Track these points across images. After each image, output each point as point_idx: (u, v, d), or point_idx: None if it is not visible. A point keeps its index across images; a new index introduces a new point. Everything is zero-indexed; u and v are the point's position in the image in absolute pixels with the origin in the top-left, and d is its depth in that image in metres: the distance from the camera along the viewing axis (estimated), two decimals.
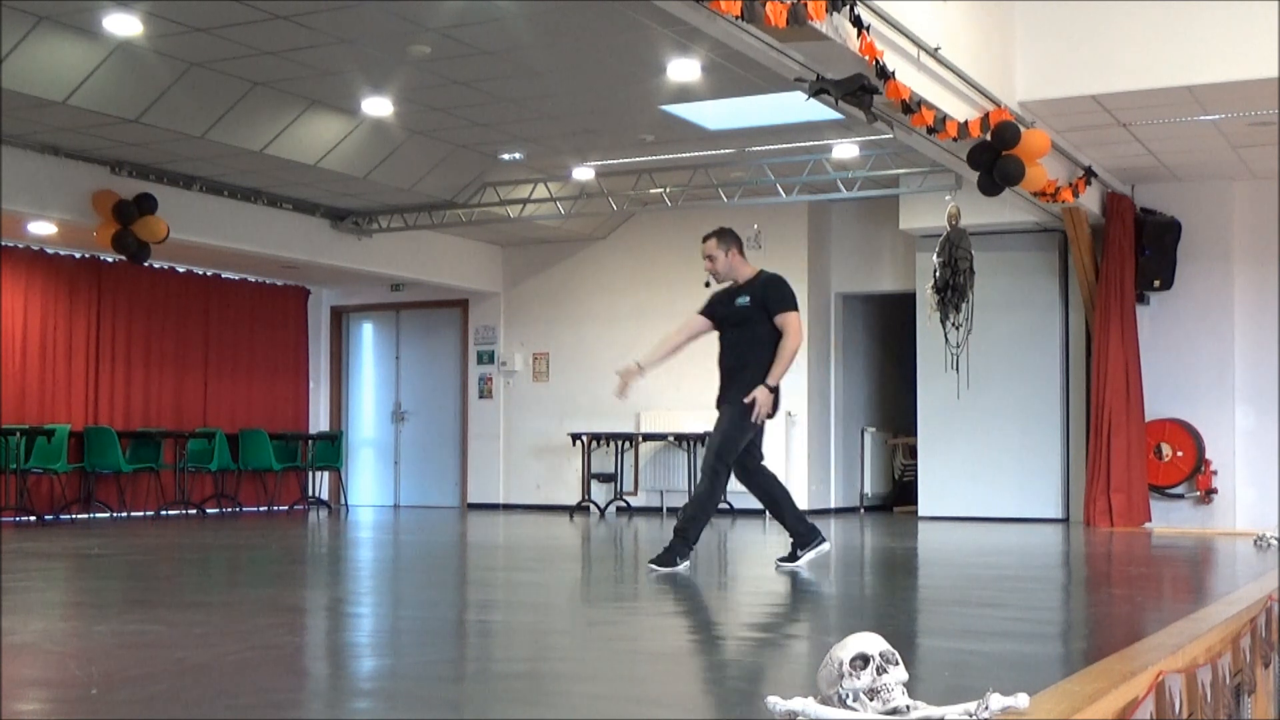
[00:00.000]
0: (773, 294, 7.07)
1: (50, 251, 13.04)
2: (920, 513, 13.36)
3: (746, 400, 6.90)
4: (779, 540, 10.49)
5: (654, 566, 6.84)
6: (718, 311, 7.25)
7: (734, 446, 6.97)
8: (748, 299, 7.08)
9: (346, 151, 11.40)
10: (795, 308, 7.09)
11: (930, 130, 8.33)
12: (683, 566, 6.88)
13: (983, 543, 10.10)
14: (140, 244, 11.47)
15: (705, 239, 7.24)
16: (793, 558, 7.14)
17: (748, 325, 7.04)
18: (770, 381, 6.91)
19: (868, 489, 14.99)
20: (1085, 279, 12.39)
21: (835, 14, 6.83)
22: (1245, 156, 11.45)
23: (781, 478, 13.80)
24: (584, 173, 12.56)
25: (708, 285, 7.34)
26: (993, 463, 13.08)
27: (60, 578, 7.45)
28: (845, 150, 11.64)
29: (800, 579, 6.84)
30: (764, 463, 7.29)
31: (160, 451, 13.45)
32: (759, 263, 14.24)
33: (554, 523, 12.58)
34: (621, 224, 14.92)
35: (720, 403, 7.11)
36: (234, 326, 14.97)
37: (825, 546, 7.19)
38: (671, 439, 13.93)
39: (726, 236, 7.20)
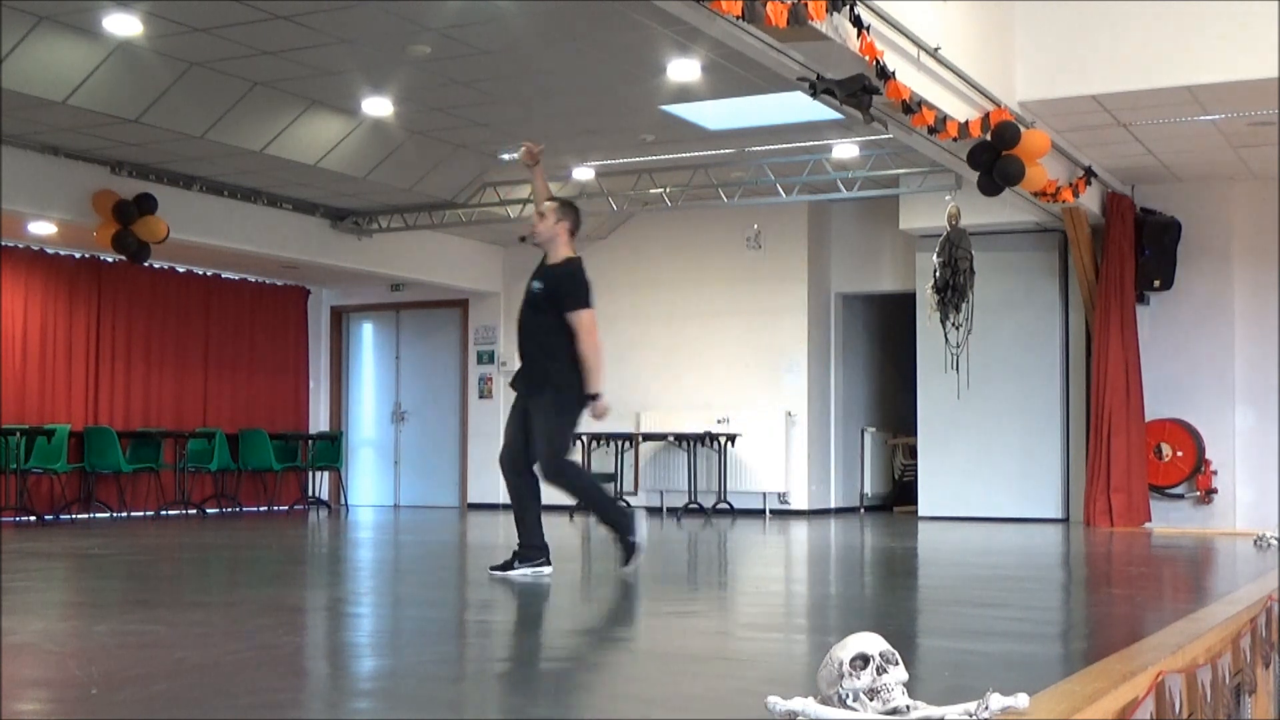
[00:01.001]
0: (566, 287, 6.60)
1: (50, 251, 13.04)
2: (920, 513, 13.36)
3: (597, 415, 6.79)
4: (779, 540, 10.49)
5: (627, 567, 6.69)
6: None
7: (565, 441, 6.75)
8: (542, 286, 6.68)
9: (346, 151, 11.40)
10: (589, 304, 6.61)
11: (931, 130, 8.34)
12: (640, 537, 6.60)
13: (983, 543, 10.10)
14: (140, 244, 11.47)
15: (553, 198, 6.94)
16: (508, 566, 6.74)
17: (538, 313, 6.68)
18: (593, 390, 6.65)
19: (868, 489, 14.99)
20: (1085, 279, 12.39)
21: (835, 14, 6.83)
22: (1245, 156, 11.45)
23: (782, 477, 13.96)
24: (584, 173, 12.56)
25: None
26: (993, 463, 13.08)
27: (60, 578, 7.45)
28: (845, 150, 11.64)
29: (793, 580, 6.83)
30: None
31: (160, 451, 13.44)
32: (760, 263, 14.37)
33: (554, 523, 12.55)
34: (621, 224, 14.91)
35: (529, 391, 6.76)
36: (234, 326, 14.96)
37: (546, 570, 6.74)
38: (671, 439, 13.93)
39: (569, 210, 6.81)
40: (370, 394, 16.60)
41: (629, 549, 6.64)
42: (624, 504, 6.87)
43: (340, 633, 5.12)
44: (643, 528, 6.64)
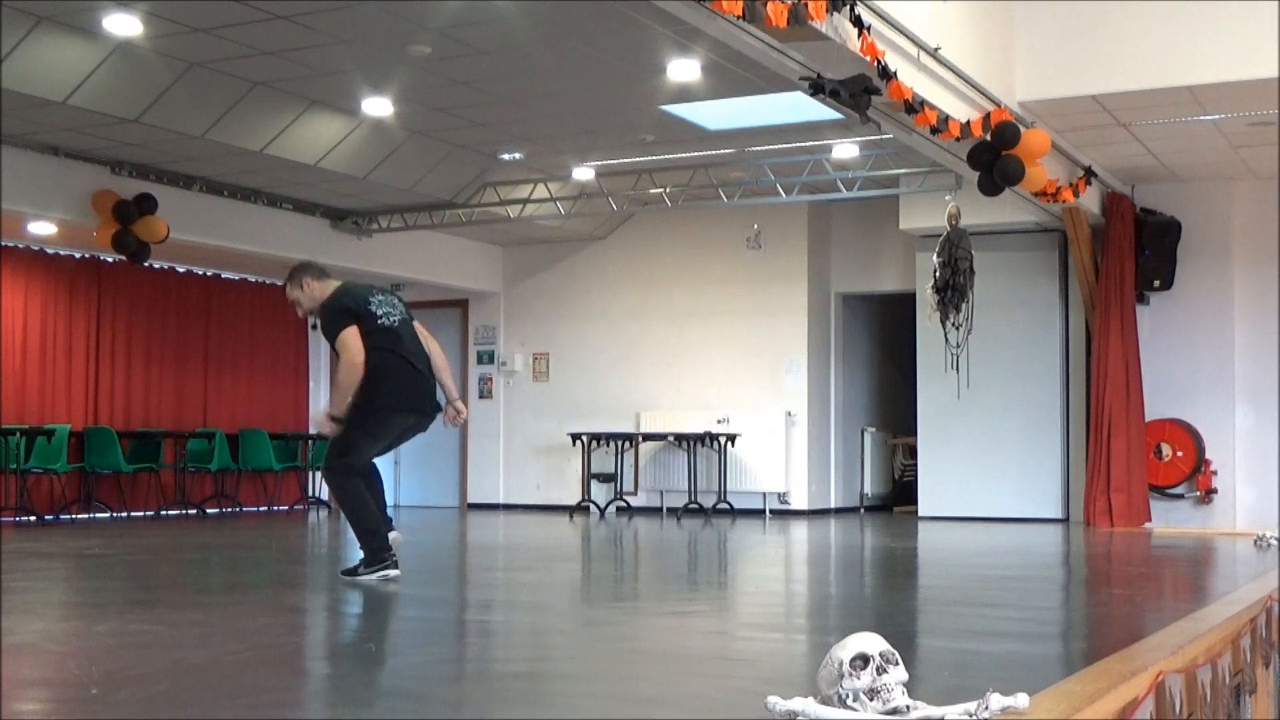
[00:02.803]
0: (323, 320, 6.58)
1: (50, 251, 13.04)
2: (920, 513, 13.36)
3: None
4: (779, 540, 10.49)
5: (353, 574, 6.48)
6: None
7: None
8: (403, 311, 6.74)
9: (346, 151, 11.40)
10: (341, 328, 6.39)
11: (934, 130, 8.34)
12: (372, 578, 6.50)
13: (983, 543, 10.10)
14: (140, 244, 11.47)
15: (284, 285, 6.79)
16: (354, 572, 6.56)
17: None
18: (331, 411, 6.46)
19: (868, 489, 14.99)
20: (1085, 279, 12.39)
21: (835, 14, 6.83)
22: (1245, 156, 11.45)
23: (782, 477, 13.97)
24: (584, 173, 12.56)
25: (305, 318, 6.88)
26: (993, 463, 13.08)
27: (60, 578, 7.45)
28: (845, 150, 11.64)
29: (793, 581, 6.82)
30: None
31: (160, 451, 13.44)
32: (760, 263, 14.38)
33: (554, 523, 12.58)
34: (621, 224, 14.92)
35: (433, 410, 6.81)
36: (234, 326, 14.96)
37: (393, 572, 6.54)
38: (671, 439, 13.93)
39: (295, 275, 6.66)
40: None
41: (368, 564, 6.49)
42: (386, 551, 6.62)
43: (340, 633, 5.12)
44: (385, 574, 6.47)
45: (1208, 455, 12.31)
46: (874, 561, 8.78)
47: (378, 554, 6.53)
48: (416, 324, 6.79)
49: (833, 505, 14.42)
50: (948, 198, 11.50)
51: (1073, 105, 9.97)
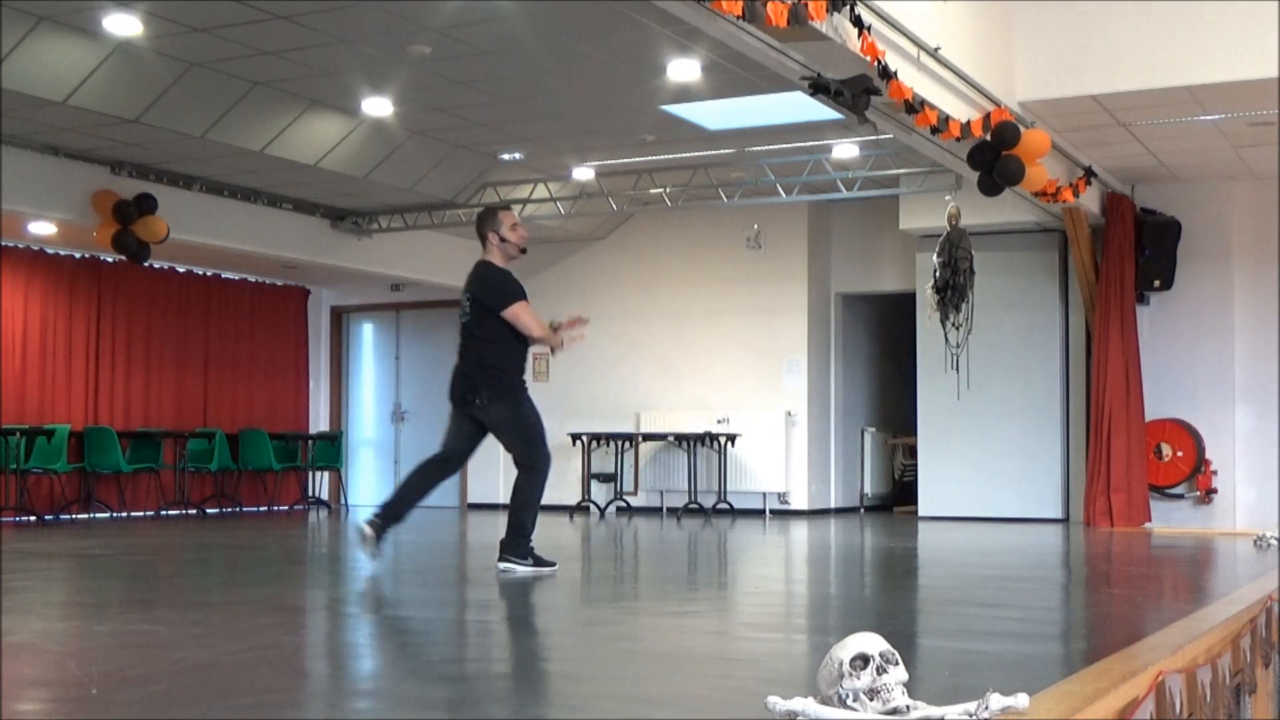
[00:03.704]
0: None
1: (50, 251, 13.04)
2: (920, 513, 13.36)
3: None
4: (779, 540, 10.49)
5: (365, 542, 6.89)
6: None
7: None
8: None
9: (346, 151, 11.40)
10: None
11: (934, 130, 8.34)
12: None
13: (983, 543, 10.10)
14: (140, 244, 11.47)
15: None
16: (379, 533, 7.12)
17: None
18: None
19: (868, 489, 14.99)
20: (1085, 279, 12.39)
21: (835, 14, 6.83)
22: (1245, 156, 11.45)
23: (782, 477, 13.96)
24: (584, 173, 12.56)
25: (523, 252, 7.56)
26: (993, 463, 13.08)
27: (60, 578, 7.45)
28: (845, 150, 11.64)
29: (794, 580, 6.82)
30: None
31: (160, 451, 13.44)
32: (760, 263, 14.39)
33: (554, 523, 12.58)
34: (621, 224, 14.92)
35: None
36: (234, 326, 14.96)
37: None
38: (671, 439, 13.93)
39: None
40: (370, 394, 16.59)
41: (375, 528, 6.98)
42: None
43: (340, 633, 5.12)
44: (378, 551, 6.97)
45: (1208, 455, 12.31)
46: (874, 561, 8.78)
47: (527, 551, 7.20)
48: (516, 307, 7.48)
49: (833, 505, 14.42)
50: (948, 198, 11.50)
51: (1073, 105, 9.97)
